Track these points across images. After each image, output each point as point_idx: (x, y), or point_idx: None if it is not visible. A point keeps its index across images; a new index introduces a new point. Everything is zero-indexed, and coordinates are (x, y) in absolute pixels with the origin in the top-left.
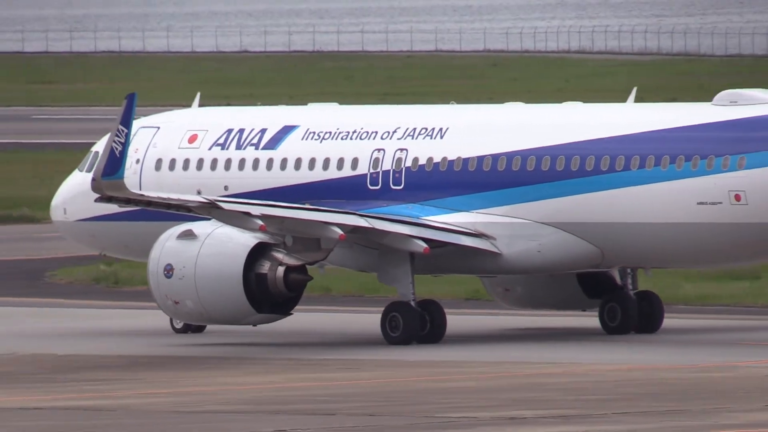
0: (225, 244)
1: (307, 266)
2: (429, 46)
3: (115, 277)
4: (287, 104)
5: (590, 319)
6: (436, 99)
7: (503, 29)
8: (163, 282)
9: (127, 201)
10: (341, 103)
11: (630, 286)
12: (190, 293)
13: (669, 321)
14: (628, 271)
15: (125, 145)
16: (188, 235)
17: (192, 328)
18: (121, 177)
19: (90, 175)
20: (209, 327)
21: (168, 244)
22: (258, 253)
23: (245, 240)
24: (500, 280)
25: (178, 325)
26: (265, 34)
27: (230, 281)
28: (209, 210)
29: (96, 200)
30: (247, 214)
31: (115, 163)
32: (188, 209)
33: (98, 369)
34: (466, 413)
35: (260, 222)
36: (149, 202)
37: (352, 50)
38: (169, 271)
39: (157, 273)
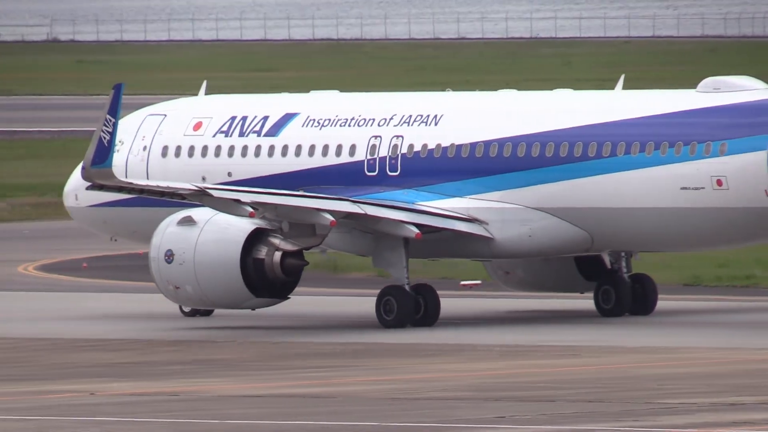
0: (223, 231)
1: (310, 250)
2: (646, 32)
3: (334, 264)
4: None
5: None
6: (653, 84)
7: (721, 15)
8: (164, 267)
9: (119, 189)
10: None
11: (624, 269)
12: (189, 278)
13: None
14: (622, 254)
15: (113, 134)
16: (188, 221)
17: (200, 312)
18: (110, 165)
19: None
20: (217, 310)
21: (168, 231)
22: (255, 238)
23: (243, 226)
24: (501, 263)
25: (187, 309)
26: (482, 20)
27: (228, 267)
28: (201, 197)
29: (87, 188)
30: (237, 201)
31: (103, 151)
32: (181, 196)
33: (318, 356)
34: (684, 399)
35: (250, 209)
36: (141, 190)
37: (569, 36)
38: (169, 256)
39: (158, 259)
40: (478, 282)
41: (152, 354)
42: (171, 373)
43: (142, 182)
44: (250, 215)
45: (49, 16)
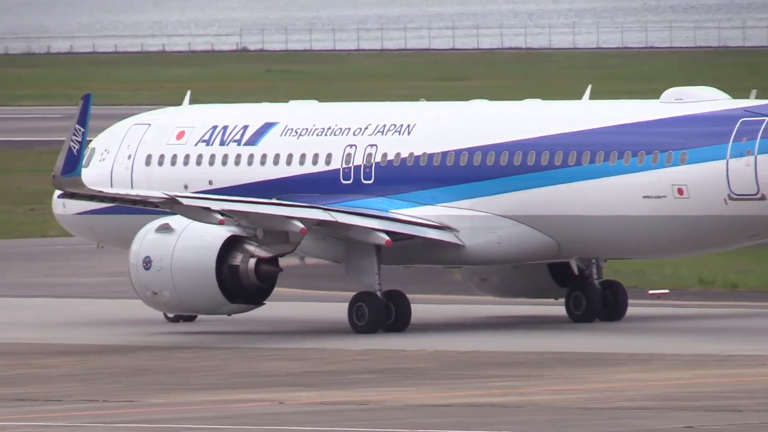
0: (200, 238)
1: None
2: None
3: None
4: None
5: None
6: None
7: None
8: (142, 274)
9: (90, 197)
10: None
11: (595, 276)
12: (167, 284)
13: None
14: (592, 261)
15: (82, 143)
16: (166, 228)
17: (183, 317)
18: (79, 174)
19: (87, 171)
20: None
21: (147, 238)
22: (231, 245)
23: (219, 233)
24: (476, 270)
25: (171, 315)
26: (670, 29)
27: (204, 273)
28: (171, 205)
29: (59, 197)
30: (207, 209)
31: (73, 160)
32: (154, 204)
33: (507, 365)
34: None
35: (220, 216)
36: (113, 198)
37: (758, 45)
38: (147, 263)
39: (137, 265)
40: (666, 291)
41: (340, 363)
42: (360, 382)
43: (112, 191)
44: (220, 223)
45: (239, 26)
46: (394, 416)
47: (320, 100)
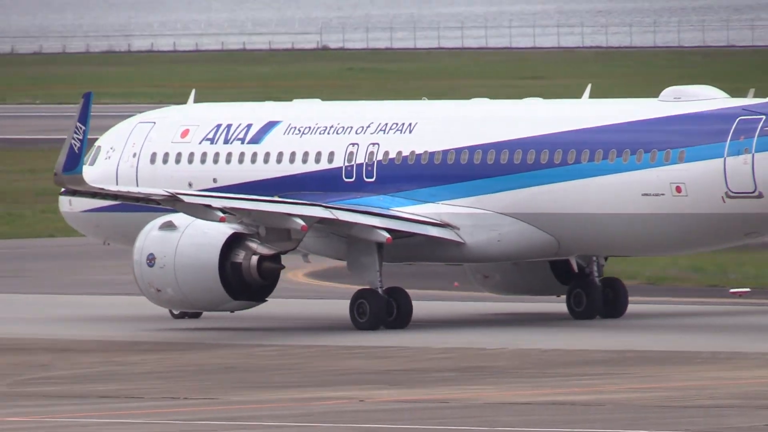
0: (203, 235)
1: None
2: None
3: None
4: None
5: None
6: None
7: None
8: (146, 271)
9: (93, 194)
10: None
11: (596, 273)
12: (170, 281)
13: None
14: (593, 259)
15: (83, 141)
16: (169, 225)
17: (189, 314)
18: (80, 171)
19: (93, 169)
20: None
21: (151, 235)
22: (234, 243)
23: (222, 231)
24: (479, 267)
25: (176, 311)
26: (752, 28)
27: (207, 270)
28: (173, 203)
29: (60, 194)
30: (209, 206)
31: (74, 158)
32: (157, 202)
33: (586, 364)
34: None
35: (221, 214)
36: (116, 196)
37: None
38: (151, 260)
39: (140, 262)
40: (748, 290)
41: (423, 361)
42: (442, 380)
43: (114, 188)
44: (221, 220)
45: (320, 24)
46: (475, 414)
47: (401, 98)
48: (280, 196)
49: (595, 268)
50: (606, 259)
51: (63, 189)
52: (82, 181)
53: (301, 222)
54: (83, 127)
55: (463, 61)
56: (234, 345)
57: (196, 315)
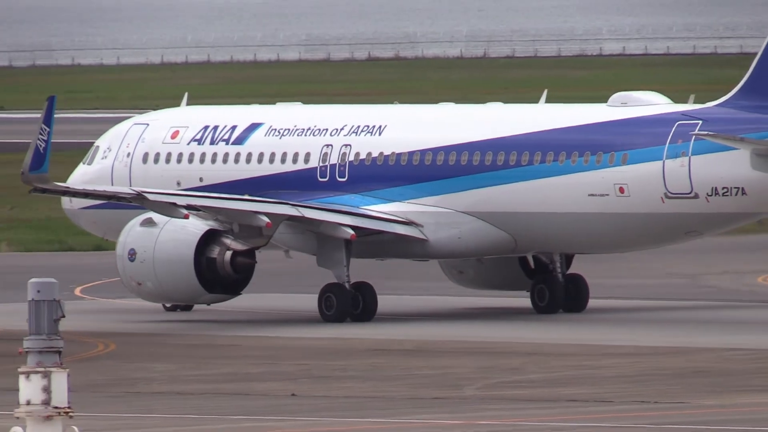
0: (180, 231)
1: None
2: None
3: None
4: None
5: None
6: None
7: None
8: (127, 265)
9: (62, 193)
10: None
11: (558, 270)
12: (149, 275)
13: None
14: (557, 256)
15: (48, 141)
16: (149, 222)
17: (180, 307)
18: (46, 171)
19: (90, 168)
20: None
21: (133, 230)
22: (209, 239)
23: (198, 227)
24: (454, 263)
25: (168, 304)
26: None
27: (183, 264)
28: (141, 200)
29: (30, 192)
30: (174, 204)
31: (39, 158)
32: (127, 200)
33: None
34: None
35: (185, 211)
36: (86, 194)
37: None
38: (132, 254)
39: (123, 257)
40: None
41: None
42: None
43: (80, 187)
44: (185, 217)
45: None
46: None
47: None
48: (250, 195)
49: (558, 265)
50: (572, 257)
51: (31, 188)
52: (47, 180)
53: (266, 219)
54: (48, 129)
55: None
56: (707, 349)
57: (187, 308)
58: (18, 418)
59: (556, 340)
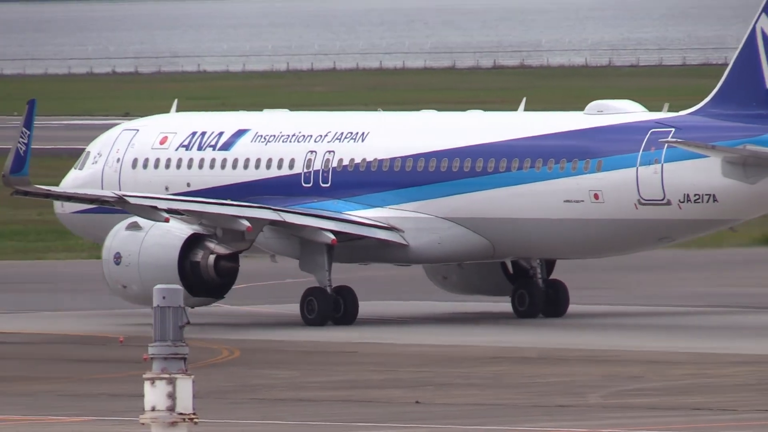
0: (164, 235)
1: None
2: None
3: None
4: None
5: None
6: None
7: None
8: (113, 268)
9: (45, 196)
10: None
11: (539, 275)
12: (134, 278)
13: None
14: (537, 261)
15: (28, 145)
16: (135, 226)
17: None
18: (26, 173)
19: (81, 173)
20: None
21: (118, 234)
22: (193, 243)
23: (183, 231)
24: (439, 269)
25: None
26: None
27: (168, 268)
28: (122, 204)
29: (12, 194)
30: (154, 208)
31: (20, 161)
32: (111, 204)
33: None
34: None
35: (165, 215)
36: (69, 197)
37: None
38: (117, 258)
39: (108, 260)
40: None
41: None
42: None
43: (58, 189)
44: (165, 221)
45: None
46: None
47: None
48: (232, 200)
49: (538, 270)
50: (551, 262)
51: (12, 191)
52: (27, 183)
53: (247, 223)
54: (28, 132)
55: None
56: None
57: None
58: (143, 424)
59: (672, 348)
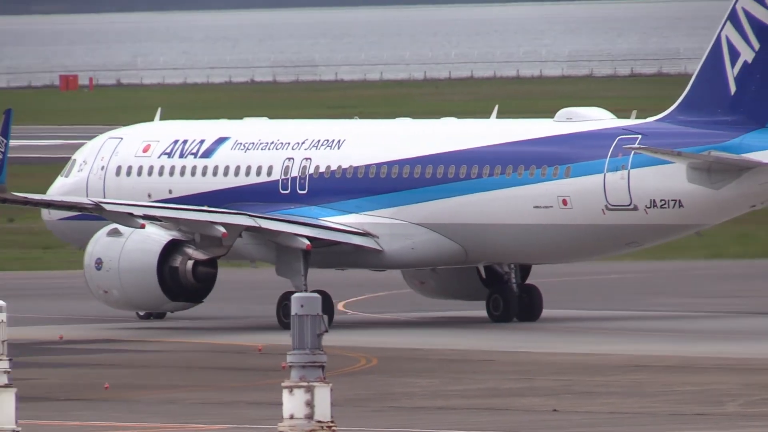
0: (144, 241)
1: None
2: None
3: None
4: None
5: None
6: None
7: None
8: (94, 274)
9: (24, 203)
10: None
11: (513, 280)
12: (115, 284)
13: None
14: (511, 266)
15: (5, 153)
16: (115, 232)
17: (154, 315)
18: (3, 181)
19: (67, 180)
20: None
21: (100, 240)
22: (172, 248)
23: (161, 237)
24: (416, 274)
25: (142, 312)
26: None
27: (147, 273)
28: (99, 210)
29: None
30: (130, 214)
31: None
32: (89, 210)
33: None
34: None
35: (141, 221)
36: (48, 204)
37: None
38: (99, 263)
39: (90, 266)
40: None
41: None
42: None
43: (37, 197)
44: (141, 227)
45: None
46: None
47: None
48: (212, 206)
49: (513, 276)
50: (526, 267)
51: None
52: (5, 190)
53: (222, 229)
54: (4, 141)
55: None
56: None
57: (160, 315)
58: None
59: None
